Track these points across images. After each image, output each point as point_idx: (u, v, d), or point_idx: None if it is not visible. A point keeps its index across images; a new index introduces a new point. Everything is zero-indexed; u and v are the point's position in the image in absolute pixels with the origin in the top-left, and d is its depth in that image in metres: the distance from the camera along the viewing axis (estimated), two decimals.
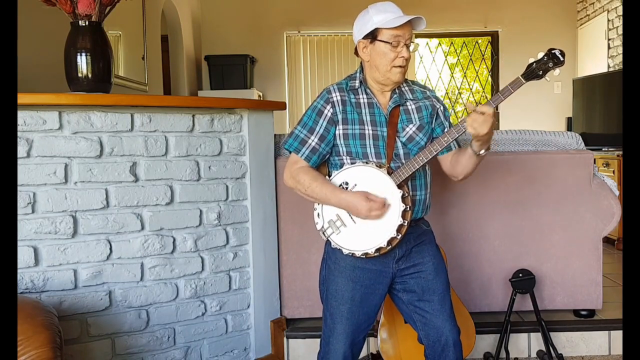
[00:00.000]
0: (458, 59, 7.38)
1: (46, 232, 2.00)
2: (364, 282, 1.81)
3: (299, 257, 2.66)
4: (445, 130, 1.85)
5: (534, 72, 1.69)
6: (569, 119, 6.06)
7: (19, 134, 1.93)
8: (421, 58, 6.98)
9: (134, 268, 2.15)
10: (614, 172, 4.42)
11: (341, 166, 1.81)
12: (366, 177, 1.74)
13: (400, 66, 1.78)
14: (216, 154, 2.32)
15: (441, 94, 7.13)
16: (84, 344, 2.07)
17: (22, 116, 1.93)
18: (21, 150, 1.94)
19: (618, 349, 2.65)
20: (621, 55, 5.39)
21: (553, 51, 1.67)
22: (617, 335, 2.65)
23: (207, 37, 6.53)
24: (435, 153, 1.74)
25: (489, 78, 6.86)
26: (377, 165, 1.74)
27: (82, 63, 2.14)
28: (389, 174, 1.73)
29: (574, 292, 2.73)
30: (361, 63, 1.89)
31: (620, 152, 4.52)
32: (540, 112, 6.49)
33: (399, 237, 1.71)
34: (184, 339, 2.29)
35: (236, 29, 6.52)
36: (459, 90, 7.40)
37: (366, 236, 1.73)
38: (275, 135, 2.60)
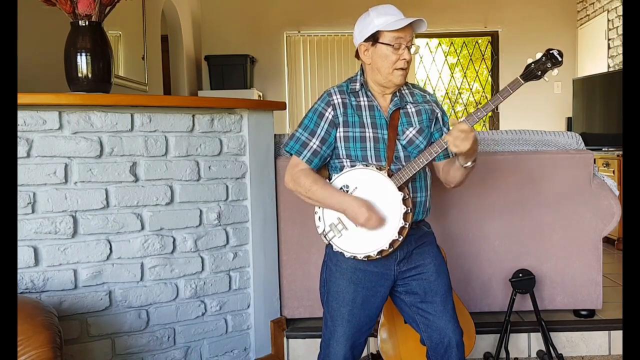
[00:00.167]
0: (458, 59, 7.38)
1: (46, 232, 2.00)
2: (365, 284, 1.81)
3: (299, 257, 2.66)
4: (444, 134, 1.85)
5: (532, 73, 1.69)
6: (569, 119, 6.06)
7: (19, 134, 1.93)
8: (421, 58, 6.98)
9: (134, 268, 2.15)
10: (614, 172, 4.42)
11: (341, 169, 1.81)
12: (367, 180, 1.74)
13: (401, 68, 1.78)
14: (216, 154, 2.32)
15: (441, 94, 7.13)
16: (84, 344, 2.07)
17: (22, 116, 1.93)
18: (21, 150, 1.94)
19: (618, 349, 2.65)
20: (621, 55, 5.39)
21: (551, 51, 1.67)
22: (617, 335, 2.65)
23: (207, 37, 6.53)
24: (435, 155, 1.74)
25: (489, 78, 6.86)
26: (377, 168, 1.74)
27: (82, 63, 2.14)
28: (390, 176, 1.73)
29: (574, 292, 2.73)
30: (361, 66, 1.89)
31: (620, 152, 4.52)
32: (540, 112, 6.49)
33: (400, 239, 1.71)
34: (184, 339, 2.29)
35: (236, 29, 6.52)
36: (459, 90, 7.40)
37: (368, 239, 1.73)
38: (275, 135, 2.60)
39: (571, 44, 6.50)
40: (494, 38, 6.73)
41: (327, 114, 1.82)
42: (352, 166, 1.79)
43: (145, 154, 2.15)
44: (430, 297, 1.83)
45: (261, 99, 6.26)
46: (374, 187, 1.73)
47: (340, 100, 1.82)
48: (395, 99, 1.85)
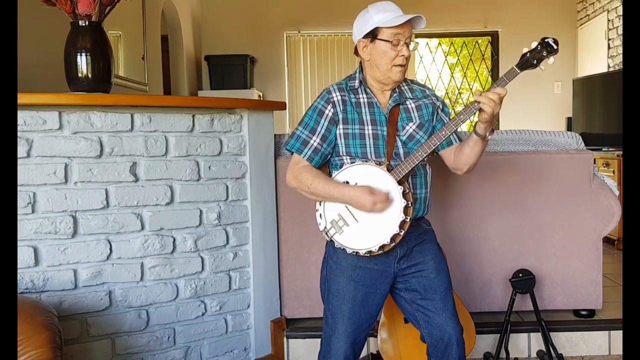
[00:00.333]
0: (458, 59, 7.38)
1: (46, 232, 2.00)
2: (365, 281, 1.81)
3: (299, 257, 2.66)
4: (445, 124, 1.85)
5: (528, 62, 1.69)
6: (569, 119, 6.06)
7: (19, 134, 1.93)
8: (421, 58, 6.98)
9: (134, 268, 2.15)
10: (614, 172, 4.42)
11: (341, 166, 1.82)
12: (366, 175, 1.75)
13: (400, 65, 1.79)
14: (216, 154, 2.32)
15: (441, 94, 7.13)
16: (84, 344, 2.07)
17: (22, 116, 1.93)
18: (21, 150, 1.94)
19: (618, 349, 2.65)
20: (621, 55, 5.39)
21: (546, 40, 1.67)
22: (617, 335, 2.65)
23: (207, 37, 6.53)
24: (434, 147, 1.74)
25: (489, 78, 6.86)
26: (376, 163, 1.74)
27: (82, 63, 2.14)
28: (389, 170, 1.73)
29: (574, 292, 2.73)
30: (360, 63, 1.90)
31: (620, 152, 4.52)
32: (540, 112, 6.49)
33: (401, 233, 1.71)
34: (184, 339, 2.29)
35: (236, 29, 6.52)
36: (459, 90, 7.40)
37: (369, 234, 1.74)
38: (275, 135, 2.60)
39: (571, 44, 6.50)
40: (494, 38, 6.73)
41: (327, 111, 1.82)
42: (351, 163, 1.79)
43: (145, 154, 2.15)
44: (430, 294, 1.83)
45: (261, 99, 6.26)
46: (373, 181, 1.73)
47: (339, 97, 1.83)
48: (395, 95, 1.85)
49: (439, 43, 7.06)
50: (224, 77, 6.09)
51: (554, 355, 2.46)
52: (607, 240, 4.39)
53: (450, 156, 1.89)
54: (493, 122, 1.74)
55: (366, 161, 1.77)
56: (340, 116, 1.82)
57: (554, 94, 6.54)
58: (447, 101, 7.20)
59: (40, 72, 2.86)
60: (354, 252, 1.76)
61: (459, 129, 1.86)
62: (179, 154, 2.22)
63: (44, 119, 1.97)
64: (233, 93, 5.71)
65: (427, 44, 7.07)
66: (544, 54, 1.67)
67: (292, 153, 1.87)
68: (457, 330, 1.82)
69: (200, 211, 2.29)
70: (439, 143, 1.74)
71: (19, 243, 1.95)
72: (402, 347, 2.24)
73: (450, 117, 1.91)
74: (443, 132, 1.73)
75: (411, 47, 1.79)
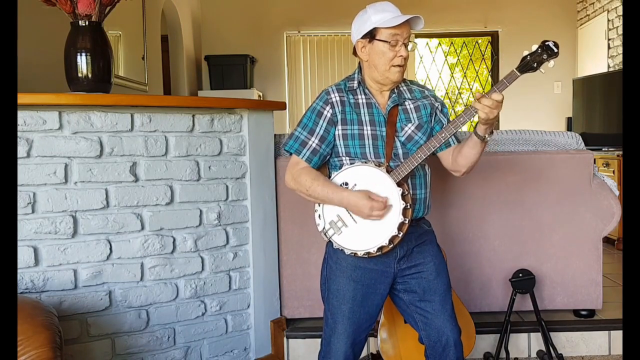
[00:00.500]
0: (458, 59, 7.38)
1: (46, 232, 2.00)
2: (365, 281, 1.81)
3: (299, 257, 2.66)
4: (444, 126, 1.85)
5: (528, 65, 1.68)
6: (569, 119, 6.06)
7: (19, 134, 1.93)
8: (421, 58, 6.98)
9: (134, 268, 2.15)
10: (614, 172, 4.42)
11: (340, 167, 1.82)
12: (365, 177, 1.75)
13: (399, 65, 1.78)
14: (216, 154, 2.32)
15: (441, 94, 7.13)
16: (84, 344, 2.07)
17: (22, 116, 1.93)
18: (21, 150, 1.94)
19: (618, 349, 2.65)
20: (621, 55, 5.39)
21: (546, 43, 1.66)
22: (617, 335, 2.65)
23: (207, 37, 6.53)
24: (433, 149, 1.74)
25: (489, 78, 6.86)
26: (375, 165, 1.74)
27: (82, 63, 2.14)
28: (388, 172, 1.73)
29: (574, 292, 2.73)
30: (359, 63, 1.90)
31: (620, 152, 4.52)
32: (540, 112, 6.49)
33: (400, 235, 1.71)
34: (184, 339, 2.29)
35: (236, 29, 6.52)
36: (459, 90, 7.40)
37: (368, 235, 1.74)
38: (275, 135, 2.60)
39: (571, 44, 6.50)
40: (494, 38, 6.73)
41: (325, 112, 1.82)
42: (351, 164, 1.79)
43: (145, 154, 2.15)
44: (429, 295, 1.83)
45: (261, 99, 6.26)
46: (372, 183, 1.73)
47: (338, 98, 1.83)
48: (394, 95, 1.85)
49: (439, 43, 7.06)
50: (224, 77, 6.09)
51: (554, 355, 2.46)
52: (607, 240, 4.39)
53: (448, 158, 1.89)
54: (493, 124, 1.73)
55: (366, 162, 1.77)
56: (339, 117, 1.82)
57: (554, 94, 6.54)
58: (447, 101, 7.20)
59: (40, 72, 2.86)
60: (352, 253, 1.76)
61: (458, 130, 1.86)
62: (179, 154, 2.22)
63: (44, 119, 1.97)
64: (233, 93, 5.71)
65: (427, 44, 7.07)
66: (545, 57, 1.67)
67: (290, 154, 1.87)
68: (455, 333, 1.82)
69: (200, 211, 2.29)
70: (438, 145, 1.74)
71: (19, 243, 1.95)
72: (402, 347, 2.25)
73: (450, 118, 1.91)
74: (442, 135, 1.73)
75: (409, 47, 1.79)
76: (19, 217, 1.94)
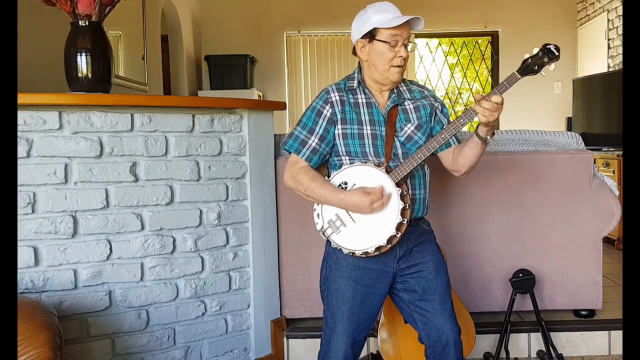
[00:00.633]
0: (458, 59, 7.38)
1: (46, 232, 2.00)
2: (364, 281, 1.81)
3: (299, 257, 2.66)
4: (444, 127, 1.85)
5: (529, 68, 1.68)
6: (569, 119, 6.06)
7: (19, 134, 1.93)
8: (421, 58, 6.98)
9: (134, 268, 2.15)
10: (614, 172, 4.42)
11: (340, 166, 1.82)
12: (365, 176, 1.75)
13: (398, 66, 1.79)
14: (216, 154, 2.32)
15: (441, 94, 7.13)
16: (84, 344, 2.07)
17: (22, 116, 1.93)
18: (21, 150, 1.94)
19: (618, 349, 2.65)
20: (621, 55, 5.39)
21: (548, 46, 1.67)
22: (617, 335, 2.65)
23: (207, 37, 6.53)
24: (433, 150, 1.74)
25: (489, 78, 6.86)
26: (375, 165, 1.74)
27: (82, 63, 2.14)
28: (387, 172, 1.73)
29: (574, 292, 2.73)
30: (359, 63, 1.90)
31: (620, 152, 4.52)
32: (540, 112, 6.49)
33: (398, 235, 1.71)
34: (184, 339, 2.29)
35: (236, 29, 6.52)
36: (459, 90, 7.40)
37: (366, 235, 1.74)
38: (275, 135, 2.60)
39: (571, 44, 6.50)
40: (494, 38, 6.73)
41: (325, 111, 1.82)
42: (350, 163, 1.79)
43: (145, 154, 2.15)
44: (429, 295, 1.83)
45: (261, 99, 6.26)
46: (372, 183, 1.73)
47: (338, 97, 1.83)
48: (393, 95, 1.85)
49: (439, 43, 7.06)
50: (224, 77, 6.09)
51: (554, 355, 2.46)
52: (607, 240, 4.39)
53: (448, 158, 1.89)
54: (494, 126, 1.73)
55: (365, 162, 1.77)
56: (339, 116, 1.82)
57: (554, 94, 6.54)
58: (447, 101, 7.20)
59: (40, 72, 2.86)
60: (350, 252, 1.76)
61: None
62: (179, 154, 2.22)
63: (44, 119, 1.97)
64: (233, 93, 5.71)
65: (427, 44, 7.07)
66: (545, 60, 1.67)
67: (290, 153, 1.87)
68: (454, 332, 1.82)
69: (200, 211, 2.29)
70: (438, 146, 1.74)
71: (19, 243, 1.95)
72: (402, 347, 2.25)
73: (450, 119, 1.91)
74: (442, 135, 1.73)
75: (409, 48, 1.79)
76: (19, 217, 1.94)
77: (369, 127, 1.81)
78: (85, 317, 2.07)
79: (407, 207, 1.71)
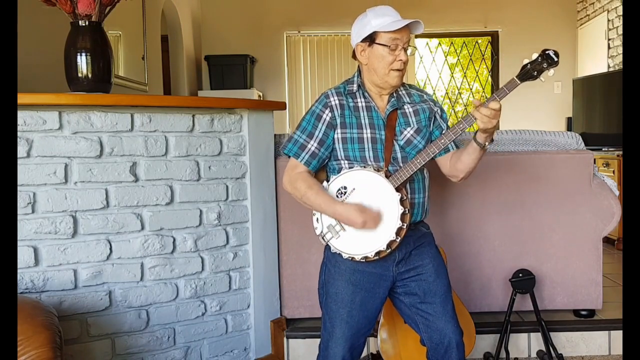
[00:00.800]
0: (458, 59, 7.38)
1: (46, 232, 2.00)
2: (364, 285, 1.81)
3: (299, 257, 2.66)
4: (443, 132, 1.85)
5: (528, 73, 1.69)
6: (569, 119, 6.06)
7: (19, 134, 1.93)
8: (421, 58, 6.98)
9: (134, 268, 2.15)
10: (614, 172, 4.42)
11: (339, 170, 1.81)
12: (364, 181, 1.74)
13: (398, 70, 1.78)
14: (216, 154, 2.32)
15: (441, 94, 7.13)
16: (84, 344, 2.07)
17: (22, 116, 1.93)
18: (21, 150, 1.94)
19: (618, 349, 2.65)
20: (621, 55, 5.39)
21: (547, 52, 1.67)
22: (617, 335, 2.65)
23: (207, 37, 6.53)
24: (432, 155, 1.74)
25: (489, 78, 6.86)
26: (375, 169, 1.74)
27: (82, 63, 2.14)
28: (387, 177, 1.73)
29: (574, 292, 2.73)
30: (359, 67, 1.90)
31: (620, 152, 4.52)
32: (540, 112, 6.49)
33: (398, 240, 1.71)
34: (184, 339, 2.29)
35: (236, 29, 6.52)
36: (459, 90, 7.40)
37: (365, 240, 1.73)
38: (275, 135, 2.60)
39: (571, 44, 6.50)
40: (494, 38, 6.73)
41: (324, 115, 1.82)
42: (349, 167, 1.79)
43: (145, 154, 2.15)
44: (430, 297, 1.83)
45: (261, 99, 6.26)
46: (371, 188, 1.73)
47: (337, 101, 1.83)
48: (393, 99, 1.85)
49: (439, 43, 7.06)
50: (224, 77, 6.09)
51: (554, 355, 2.46)
52: (607, 240, 4.39)
53: (446, 163, 1.90)
54: (493, 132, 1.73)
55: (365, 167, 1.76)
56: (338, 120, 1.82)
57: (554, 94, 6.54)
58: (447, 101, 7.21)
59: (40, 72, 2.86)
60: (350, 257, 1.76)
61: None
62: (179, 154, 2.22)
63: (44, 119, 1.97)
64: (233, 93, 5.71)
65: (427, 44, 7.07)
66: (545, 66, 1.68)
67: (289, 157, 1.87)
68: (457, 334, 1.82)
69: (200, 211, 2.29)
70: (437, 151, 1.74)
71: (19, 243, 1.95)
72: (402, 347, 2.25)
73: (449, 123, 1.91)
74: (442, 141, 1.73)
75: (409, 52, 1.79)
76: (19, 217, 1.94)
77: (368, 131, 1.81)
78: (85, 317, 2.07)
79: (407, 211, 1.71)
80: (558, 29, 6.46)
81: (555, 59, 1.67)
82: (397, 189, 1.71)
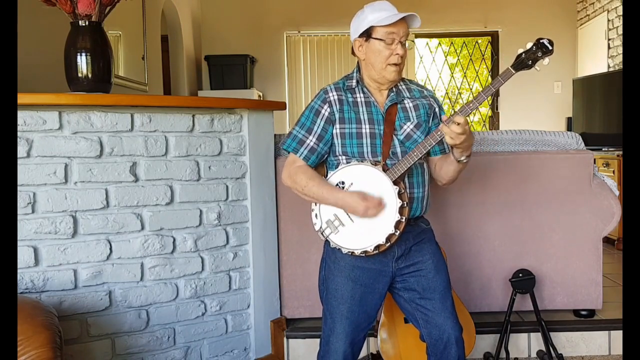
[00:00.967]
0: (458, 59, 7.38)
1: (46, 232, 2.00)
2: (363, 281, 1.81)
3: (299, 257, 2.66)
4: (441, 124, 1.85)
5: (523, 62, 1.69)
6: (569, 119, 6.06)
7: (19, 134, 1.93)
8: (421, 58, 6.98)
9: (134, 268, 2.15)
10: (614, 172, 4.42)
11: (337, 166, 1.82)
12: (362, 175, 1.75)
13: (395, 64, 1.79)
14: (216, 154, 2.32)
15: (441, 94, 7.13)
16: (84, 344, 2.07)
17: (22, 116, 1.93)
18: (21, 150, 1.94)
19: (618, 349, 2.65)
20: (621, 55, 5.39)
21: (541, 41, 1.68)
22: (617, 335, 2.65)
23: (207, 37, 6.53)
24: (429, 147, 1.73)
25: (489, 78, 6.86)
26: (372, 163, 1.74)
27: (82, 63, 2.14)
28: (385, 170, 1.73)
29: (574, 292, 2.73)
30: (358, 62, 1.90)
31: (620, 152, 4.52)
32: (540, 112, 6.49)
33: (397, 233, 1.72)
34: (184, 339, 2.29)
35: (236, 29, 6.52)
36: (459, 90, 7.40)
37: (365, 234, 1.74)
38: (275, 135, 2.60)
39: (571, 44, 6.50)
40: (494, 38, 6.73)
41: (323, 111, 1.83)
42: (347, 162, 1.79)
43: (145, 154, 2.15)
44: (429, 293, 1.83)
45: (261, 99, 6.26)
46: (369, 182, 1.74)
47: (336, 97, 1.83)
48: (392, 94, 1.86)
49: (439, 43, 7.06)
50: (224, 77, 6.09)
51: (554, 355, 2.46)
52: (607, 240, 4.39)
53: (433, 165, 1.91)
54: (469, 148, 1.72)
55: (362, 161, 1.77)
56: (337, 116, 1.82)
57: (554, 94, 6.54)
58: (447, 101, 7.21)
59: (40, 72, 2.86)
60: (349, 252, 1.76)
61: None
62: (179, 154, 2.22)
63: (44, 119, 1.97)
64: (233, 93, 5.71)
65: (427, 44, 7.07)
66: (539, 55, 1.68)
67: (288, 152, 1.88)
68: (456, 330, 1.83)
69: (200, 211, 2.29)
70: (434, 143, 1.73)
71: (19, 243, 1.95)
72: (402, 347, 2.25)
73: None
74: (439, 133, 1.73)
75: (407, 45, 1.79)
76: (19, 217, 1.94)
77: (367, 126, 1.81)
78: (85, 317, 2.07)
79: (405, 205, 1.71)
80: (558, 29, 6.45)
81: (550, 47, 1.68)
82: (395, 182, 1.72)
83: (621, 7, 5.42)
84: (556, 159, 2.69)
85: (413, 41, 1.86)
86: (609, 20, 5.76)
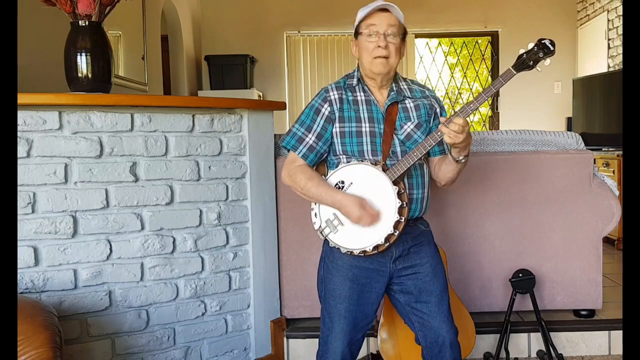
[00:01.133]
0: (458, 59, 7.37)
1: (46, 232, 2.00)
2: (360, 280, 1.81)
3: (299, 257, 2.66)
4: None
5: (524, 63, 1.69)
6: (569, 119, 6.06)
7: (19, 134, 1.93)
8: (421, 58, 6.98)
9: (134, 268, 2.15)
10: (614, 172, 4.42)
11: (337, 165, 1.82)
12: (361, 175, 1.75)
13: (380, 57, 1.78)
14: (216, 154, 2.32)
15: (441, 94, 7.13)
16: (84, 344, 2.07)
17: (22, 116, 1.93)
18: (21, 150, 1.94)
19: (618, 349, 2.65)
20: (621, 55, 5.39)
21: (543, 41, 1.68)
22: (617, 335, 2.65)
23: (207, 37, 6.53)
24: (429, 147, 1.73)
25: (489, 78, 6.86)
26: (372, 163, 1.74)
27: (82, 63, 2.14)
28: (384, 170, 1.73)
29: (574, 292, 2.73)
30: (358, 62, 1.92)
31: (620, 152, 4.52)
32: (540, 112, 6.49)
33: (396, 233, 1.71)
34: (184, 339, 2.29)
35: (236, 29, 6.52)
36: (459, 90, 7.40)
37: (364, 234, 1.74)
38: (275, 135, 2.60)
39: (571, 44, 6.50)
40: (494, 38, 6.73)
41: (323, 109, 1.83)
42: (347, 162, 1.79)
43: (145, 154, 2.15)
44: (425, 296, 1.83)
45: (261, 99, 6.26)
46: (368, 182, 1.73)
47: (336, 95, 1.84)
48: (392, 93, 1.86)
49: (439, 43, 7.06)
50: (224, 77, 6.09)
51: (554, 355, 2.46)
52: (607, 240, 4.39)
53: (433, 166, 1.91)
54: (467, 148, 1.73)
55: (362, 160, 1.77)
56: (337, 115, 1.82)
57: (554, 94, 6.54)
58: (447, 101, 7.21)
59: (40, 72, 2.86)
60: (348, 251, 1.76)
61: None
62: (179, 154, 2.22)
63: (44, 119, 1.97)
64: (233, 93, 5.71)
65: (427, 44, 7.07)
66: (541, 55, 1.68)
67: (287, 150, 1.88)
68: (450, 334, 1.82)
69: (200, 211, 2.29)
70: (434, 144, 1.73)
71: (19, 243, 1.95)
72: (402, 347, 2.25)
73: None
74: (439, 133, 1.73)
75: (390, 38, 1.77)
76: (19, 217, 1.94)
77: (367, 125, 1.81)
78: (85, 317, 2.07)
79: (405, 205, 1.71)
80: (558, 29, 6.46)
81: (552, 48, 1.68)
82: (395, 182, 1.72)
83: (621, 7, 5.42)
84: (556, 159, 2.69)
85: (402, 28, 1.83)
86: (609, 20, 5.76)
